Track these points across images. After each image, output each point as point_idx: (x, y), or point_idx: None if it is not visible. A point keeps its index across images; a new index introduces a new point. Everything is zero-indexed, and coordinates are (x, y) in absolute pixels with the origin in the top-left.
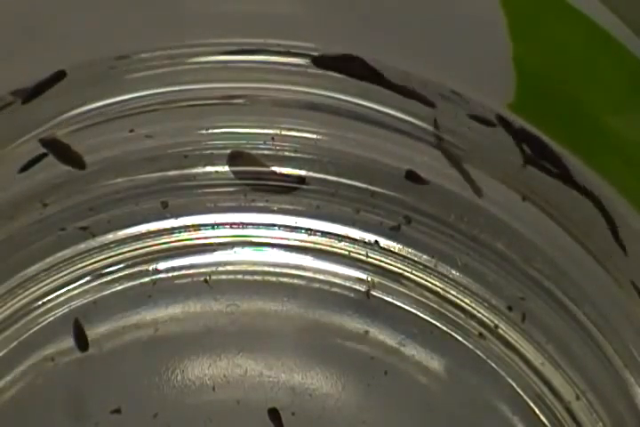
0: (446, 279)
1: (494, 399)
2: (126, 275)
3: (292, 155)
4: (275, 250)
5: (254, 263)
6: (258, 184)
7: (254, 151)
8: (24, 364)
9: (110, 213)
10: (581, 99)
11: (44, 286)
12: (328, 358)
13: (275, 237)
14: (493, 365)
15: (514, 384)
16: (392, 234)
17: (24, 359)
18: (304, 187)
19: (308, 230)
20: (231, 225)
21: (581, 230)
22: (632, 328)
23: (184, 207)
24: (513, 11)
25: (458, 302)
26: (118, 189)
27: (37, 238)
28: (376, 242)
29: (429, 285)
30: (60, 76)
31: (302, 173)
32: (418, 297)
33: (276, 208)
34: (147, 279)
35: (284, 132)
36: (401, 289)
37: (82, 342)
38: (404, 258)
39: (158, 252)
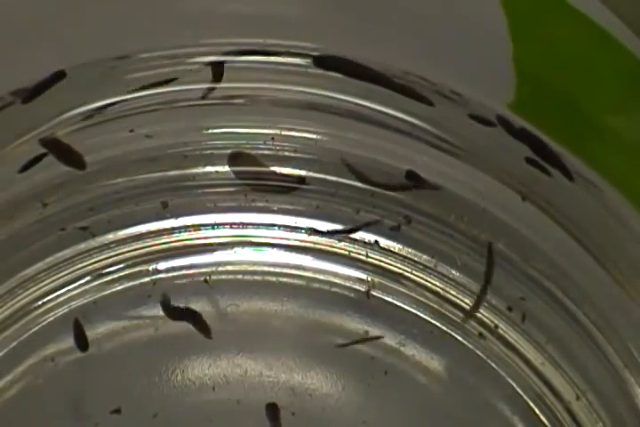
0: (446, 279)
1: (494, 399)
2: (126, 275)
3: (292, 155)
4: (275, 250)
5: (254, 263)
6: (258, 184)
7: (254, 151)
8: (24, 364)
9: (110, 213)
10: (581, 99)
11: (43, 286)
12: (328, 358)
13: (275, 237)
14: (493, 365)
15: (514, 384)
16: (392, 234)
17: (24, 359)
18: (304, 187)
19: (308, 230)
20: (231, 225)
21: (581, 230)
22: (632, 328)
23: (184, 207)
24: (513, 11)
25: (458, 302)
26: (118, 189)
27: (37, 238)
28: (376, 242)
29: (429, 285)
30: (59, 76)
31: (302, 173)
32: (418, 297)
33: (275, 208)
34: (147, 279)
35: (284, 132)
36: (401, 289)
37: (82, 342)
38: (404, 258)
39: (158, 252)
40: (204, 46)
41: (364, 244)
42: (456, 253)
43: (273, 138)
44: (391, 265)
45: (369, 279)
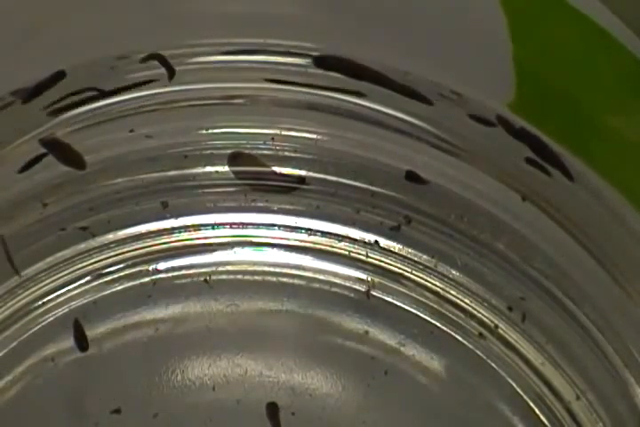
0: (446, 279)
1: (494, 399)
2: (126, 275)
3: (292, 155)
4: (275, 250)
5: (254, 263)
6: (258, 184)
7: (254, 151)
8: (24, 364)
9: (110, 213)
10: (581, 99)
11: (44, 286)
12: (328, 358)
13: (275, 237)
14: (493, 365)
15: (514, 384)
16: (392, 234)
17: (24, 359)
18: (304, 187)
19: (308, 230)
20: (231, 225)
21: (581, 230)
22: (632, 328)
23: (184, 207)
24: (513, 11)
25: (458, 302)
26: (118, 189)
27: (37, 238)
28: (376, 242)
29: (429, 285)
30: (60, 76)
31: (302, 173)
32: (418, 297)
33: (275, 208)
34: (147, 279)
35: (284, 132)
36: (401, 289)
37: (82, 342)
38: (404, 258)
39: (158, 252)
40: (204, 46)
41: (364, 244)
42: (456, 253)
43: (273, 138)
44: (391, 265)
45: (369, 279)
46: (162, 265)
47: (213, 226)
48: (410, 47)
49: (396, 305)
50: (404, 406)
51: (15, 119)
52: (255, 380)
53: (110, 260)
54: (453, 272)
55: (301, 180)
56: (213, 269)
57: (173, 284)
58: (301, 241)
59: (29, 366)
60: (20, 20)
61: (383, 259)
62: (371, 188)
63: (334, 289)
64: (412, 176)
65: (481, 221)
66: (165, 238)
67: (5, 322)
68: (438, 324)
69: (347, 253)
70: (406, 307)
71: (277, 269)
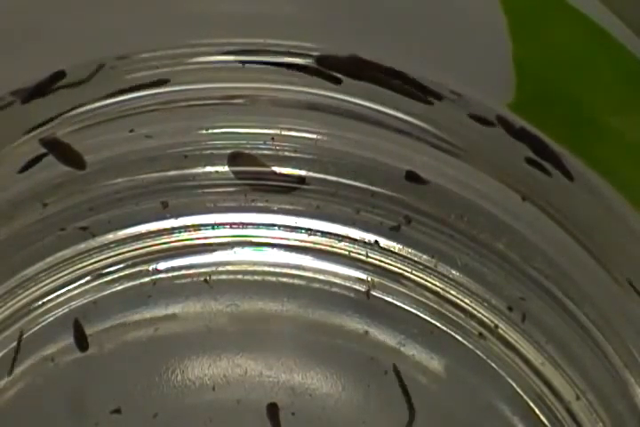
0: (446, 279)
1: (494, 399)
2: (126, 275)
3: (292, 155)
4: (275, 250)
5: (254, 263)
6: (258, 184)
7: (254, 151)
8: (24, 364)
9: (110, 213)
10: (581, 99)
11: (44, 286)
12: (328, 358)
13: (275, 237)
14: (493, 365)
15: (514, 384)
16: (392, 234)
17: (24, 359)
18: (304, 187)
19: (308, 230)
20: (231, 225)
21: (581, 230)
22: (632, 328)
23: (184, 207)
24: (513, 11)
25: (458, 302)
26: (118, 189)
27: (37, 238)
28: (376, 242)
29: (429, 285)
30: (59, 76)
31: (302, 173)
32: (418, 297)
33: (275, 208)
34: (147, 279)
35: (284, 132)
36: (401, 289)
37: (82, 342)
38: (404, 258)
39: (158, 252)
40: (204, 46)
41: (364, 244)
42: (456, 253)
43: (273, 138)
44: (391, 265)
45: (369, 279)
46: (162, 265)
47: (213, 226)
48: (410, 47)
49: (396, 305)
50: (403, 406)
51: (15, 119)
52: (255, 380)
53: (110, 260)
54: (453, 272)
55: (301, 180)
56: (213, 269)
57: (173, 284)
58: (301, 241)
59: (29, 366)
60: (20, 20)
61: (383, 259)
62: (371, 188)
63: (334, 289)
64: (412, 176)
65: (481, 221)
66: (165, 238)
67: (5, 322)
68: (438, 324)
69: (347, 253)
70: (406, 307)
71: (277, 269)
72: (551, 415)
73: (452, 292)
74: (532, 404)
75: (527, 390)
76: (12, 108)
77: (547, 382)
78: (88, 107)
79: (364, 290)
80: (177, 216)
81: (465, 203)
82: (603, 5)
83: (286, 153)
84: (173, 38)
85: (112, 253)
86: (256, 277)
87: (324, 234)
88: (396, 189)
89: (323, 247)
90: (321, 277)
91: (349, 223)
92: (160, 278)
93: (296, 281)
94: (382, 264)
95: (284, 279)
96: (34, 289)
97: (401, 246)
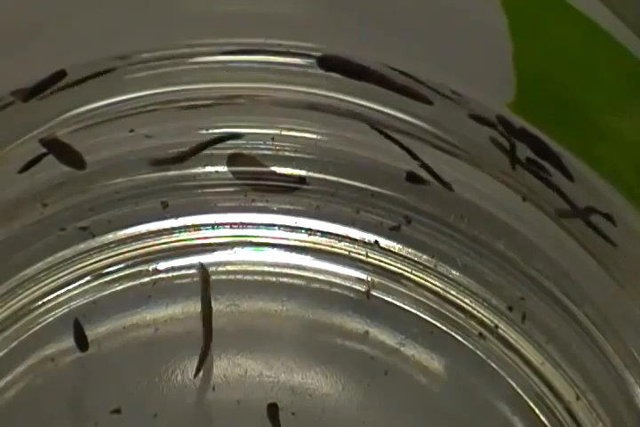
0: (446, 279)
1: (494, 399)
2: (126, 275)
3: (292, 155)
4: (275, 250)
5: (254, 263)
6: (258, 184)
7: (254, 151)
8: (24, 364)
9: (110, 213)
10: (581, 99)
11: (43, 286)
12: (328, 358)
13: (275, 237)
14: (493, 365)
15: (514, 384)
16: (392, 234)
17: (24, 359)
18: (304, 187)
19: (308, 230)
20: (231, 225)
21: (582, 231)
22: (632, 328)
23: (184, 207)
24: (513, 11)
25: (458, 302)
26: (118, 189)
27: (37, 238)
28: (376, 242)
29: (429, 285)
30: (60, 76)
31: (302, 173)
32: (418, 297)
33: (275, 208)
34: (147, 279)
35: (283, 132)
36: (401, 289)
37: (82, 342)
38: (404, 258)
39: (158, 252)
40: (204, 46)
41: (364, 244)
42: (456, 253)
43: (273, 138)
44: (391, 265)
45: (369, 279)
46: (162, 265)
47: (213, 226)
48: (410, 47)
49: (396, 305)
50: (403, 406)
51: (15, 119)
52: (255, 380)
53: (110, 260)
54: (453, 272)
55: (301, 180)
56: (213, 269)
57: (173, 284)
58: (301, 241)
59: (29, 366)
60: (20, 20)
61: (383, 259)
62: (371, 188)
63: (334, 289)
64: (412, 176)
65: (481, 221)
66: (165, 238)
67: (5, 322)
68: (438, 324)
69: (347, 253)
70: (406, 307)
71: (277, 269)
72: (551, 415)
73: (452, 292)
74: (531, 404)
75: (527, 390)
76: (11, 108)
77: (547, 382)
78: (88, 107)
79: (363, 290)
80: (177, 216)
81: (465, 203)
82: (603, 5)
83: (286, 153)
84: (173, 38)
85: (112, 253)
86: (256, 277)
87: (323, 234)
88: (396, 189)
89: (323, 247)
90: (321, 277)
91: (349, 223)
92: (160, 278)
93: (296, 281)
94: (382, 264)
95: (284, 279)
96: (34, 289)
97: (401, 246)
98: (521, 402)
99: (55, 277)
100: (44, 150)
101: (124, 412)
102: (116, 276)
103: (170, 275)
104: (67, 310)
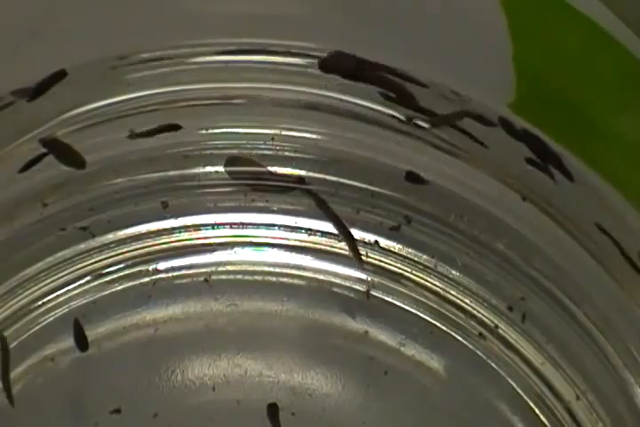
0: (446, 279)
1: (494, 399)
2: (126, 275)
3: (292, 155)
4: (275, 250)
5: (254, 263)
6: (258, 184)
7: (254, 151)
8: (24, 364)
9: (110, 213)
10: (581, 99)
11: (43, 286)
12: (328, 358)
13: (275, 237)
14: (493, 365)
15: (514, 384)
16: (392, 234)
17: (24, 359)
18: (304, 187)
19: (308, 230)
20: (231, 225)
21: (581, 230)
22: (632, 328)
23: (184, 207)
24: (513, 11)
25: (458, 302)
26: (118, 189)
27: (37, 238)
28: (376, 242)
29: (429, 285)
30: (60, 76)
31: (302, 173)
32: (418, 297)
33: (275, 208)
34: (147, 279)
35: (283, 133)
36: (401, 289)
37: (82, 342)
38: (404, 258)
39: (158, 252)
40: (204, 46)
41: (364, 244)
42: (456, 253)
43: (273, 138)
44: (391, 265)
45: (369, 279)
46: (162, 265)
47: (213, 226)
48: (410, 47)
49: (396, 305)
50: (404, 406)
51: (15, 119)
52: (255, 380)
53: (110, 260)
54: (453, 272)
55: (301, 180)
56: (213, 269)
57: (173, 284)
58: (301, 241)
59: (29, 366)
60: (20, 20)
61: (383, 259)
62: (371, 188)
63: (334, 289)
64: (412, 176)
65: (481, 221)
66: (165, 238)
67: (5, 322)
68: (438, 324)
69: (347, 253)
70: (406, 307)
71: (277, 269)
72: (551, 415)
73: (452, 292)
74: (531, 404)
75: (527, 390)
76: (12, 108)
77: (547, 382)
78: (88, 107)
79: (363, 290)
80: (177, 216)
81: (465, 203)
82: (603, 5)
83: (286, 153)
84: (173, 38)
85: (112, 253)
86: (256, 277)
87: (323, 234)
88: (396, 189)
89: (323, 247)
90: (321, 277)
91: (349, 223)
92: (160, 278)
93: (296, 281)
94: (382, 264)
95: (284, 279)
96: (34, 289)
97: (401, 246)
98: (521, 402)
99: (55, 277)
100: (44, 150)
101: (124, 412)
102: (115, 276)
103: (170, 275)
104: (67, 310)
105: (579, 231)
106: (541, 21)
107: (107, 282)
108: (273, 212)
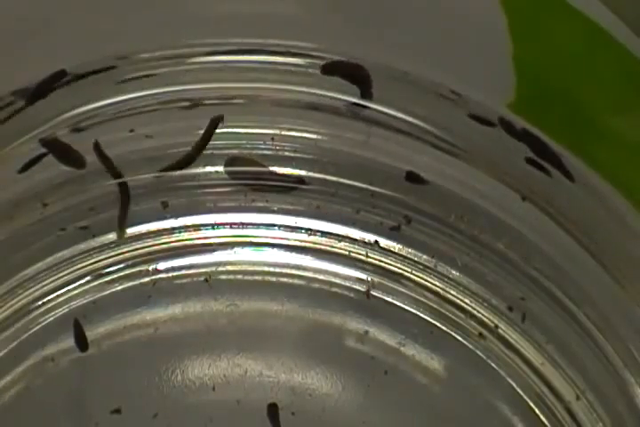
0: (446, 279)
1: (494, 399)
2: (126, 275)
3: (292, 155)
4: (275, 250)
5: (254, 263)
6: (258, 184)
7: (254, 151)
8: (24, 364)
9: (110, 213)
10: (581, 99)
11: (43, 286)
12: (328, 358)
13: (275, 237)
14: (493, 365)
15: (514, 384)
16: (392, 234)
17: (24, 359)
18: (304, 187)
19: (308, 230)
20: (231, 225)
21: (581, 230)
22: (632, 328)
23: (184, 207)
24: (513, 11)
25: (458, 302)
26: (118, 189)
27: (37, 238)
28: (376, 242)
29: (429, 285)
30: (60, 75)
31: (302, 173)
32: (418, 297)
33: (275, 208)
34: (147, 279)
35: (283, 133)
36: (401, 289)
37: (82, 342)
38: (404, 258)
39: (158, 252)
40: (204, 46)
41: (364, 244)
42: (456, 253)
43: (273, 138)
44: (391, 265)
45: (369, 279)
46: (162, 265)
47: (213, 226)
48: (410, 47)
49: (396, 305)
50: (403, 406)
51: (15, 119)
52: (255, 380)
53: (110, 260)
54: (453, 272)
55: (301, 180)
56: (213, 269)
57: (173, 284)
58: (301, 241)
59: (29, 366)
60: (20, 20)
61: (383, 259)
62: (371, 188)
63: (334, 289)
64: (412, 176)
65: (481, 221)
66: (165, 238)
67: (5, 322)
68: (438, 324)
69: (347, 253)
70: (406, 307)
71: (277, 269)
72: (551, 415)
73: (452, 292)
74: (531, 404)
75: (527, 390)
76: (12, 108)
77: (547, 382)
78: (88, 107)
79: (364, 290)
80: (177, 216)
81: (465, 203)
82: (603, 5)
83: (286, 153)
84: (173, 38)
85: (112, 253)
86: (256, 277)
87: (323, 234)
88: (396, 189)
89: (323, 247)
90: (321, 277)
91: (349, 223)
92: (160, 278)
93: (296, 281)
94: (382, 264)
95: (284, 279)
96: (34, 289)
97: (401, 246)
98: (521, 402)
99: (55, 277)
100: (44, 150)
101: (124, 412)
102: (115, 276)
103: (170, 275)
104: (67, 310)
105: (579, 231)
106: (541, 21)
107: (107, 282)
108: (273, 212)
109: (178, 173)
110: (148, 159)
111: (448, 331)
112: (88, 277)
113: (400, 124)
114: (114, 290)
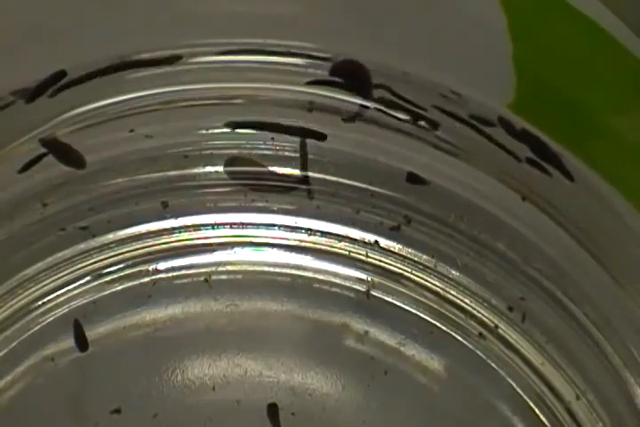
0: (446, 279)
1: (494, 399)
2: (126, 275)
3: (292, 155)
4: (275, 250)
5: (254, 263)
6: (257, 184)
7: (254, 151)
8: (24, 364)
9: (110, 213)
10: (581, 99)
11: (43, 286)
12: (328, 358)
13: (275, 237)
14: (493, 365)
15: (514, 384)
16: (392, 234)
17: (24, 359)
18: (304, 187)
19: (308, 230)
20: (231, 225)
21: (581, 230)
22: (632, 328)
23: (184, 207)
24: (513, 11)
25: (458, 302)
26: (118, 189)
27: (37, 238)
28: (376, 242)
29: (429, 285)
30: (60, 76)
31: (302, 172)
32: (418, 297)
33: (275, 208)
34: (147, 279)
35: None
36: (401, 289)
37: (82, 342)
38: (404, 258)
39: (158, 252)
40: (204, 46)
41: (364, 244)
42: (456, 253)
43: (273, 138)
44: (391, 265)
45: (369, 279)
46: (162, 265)
47: (213, 226)
48: (410, 47)
49: (396, 305)
50: (403, 406)
51: (15, 119)
52: (255, 380)
53: (110, 260)
54: (453, 272)
55: (301, 180)
56: (213, 269)
57: (173, 284)
58: (301, 241)
59: (29, 366)
60: (20, 20)
61: (383, 259)
62: (371, 188)
63: (334, 289)
64: (412, 177)
65: (481, 221)
66: (165, 238)
67: (5, 322)
68: (438, 324)
69: (347, 253)
70: (406, 307)
71: (277, 269)
72: (551, 415)
73: (452, 292)
74: (532, 404)
75: (527, 390)
76: (12, 108)
77: (547, 382)
78: (88, 107)
79: (364, 290)
80: (177, 216)
81: (465, 203)
82: (603, 5)
83: (286, 153)
84: (173, 38)
85: (112, 253)
86: (256, 277)
87: (323, 234)
88: (396, 189)
89: (323, 247)
90: (321, 277)
91: (349, 223)
92: (160, 278)
93: (296, 281)
94: (382, 264)
95: (284, 279)
96: (34, 289)
97: (401, 246)
98: (521, 402)
99: (55, 277)
100: (44, 150)
101: (124, 412)
102: (115, 276)
103: (170, 275)
104: (67, 310)
105: (579, 231)
106: (541, 21)
107: (107, 282)
108: (273, 212)
109: (178, 173)
110: (148, 159)
111: (448, 331)
112: (88, 278)
113: (400, 125)
114: (114, 290)
